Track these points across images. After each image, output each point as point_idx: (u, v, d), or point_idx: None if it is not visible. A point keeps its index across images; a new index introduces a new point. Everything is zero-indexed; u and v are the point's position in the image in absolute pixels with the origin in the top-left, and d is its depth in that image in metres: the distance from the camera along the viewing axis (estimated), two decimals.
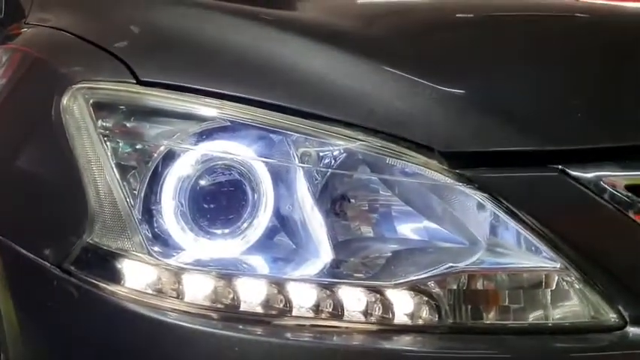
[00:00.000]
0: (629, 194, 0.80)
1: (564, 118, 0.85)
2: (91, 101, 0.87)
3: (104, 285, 0.82)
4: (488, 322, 0.81)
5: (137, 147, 0.85)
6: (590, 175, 0.80)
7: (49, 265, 0.86)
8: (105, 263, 0.83)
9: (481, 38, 0.97)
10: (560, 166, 0.80)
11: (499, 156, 0.82)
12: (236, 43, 0.92)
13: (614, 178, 0.81)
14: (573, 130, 0.84)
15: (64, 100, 0.88)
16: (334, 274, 0.82)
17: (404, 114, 0.84)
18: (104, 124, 0.86)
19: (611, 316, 0.80)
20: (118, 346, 0.82)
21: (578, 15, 1.17)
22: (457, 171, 0.81)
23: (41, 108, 0.92)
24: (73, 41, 0.99)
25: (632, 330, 0.79)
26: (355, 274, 0.83)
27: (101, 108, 0.87)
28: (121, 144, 0.85)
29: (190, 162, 0.84)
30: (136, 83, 0.86)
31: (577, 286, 0.81)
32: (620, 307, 0.80)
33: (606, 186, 0.80)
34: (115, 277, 0.82)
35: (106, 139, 0.85)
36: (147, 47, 0.93)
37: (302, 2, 1.17)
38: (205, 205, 0.84)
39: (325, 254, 0.83)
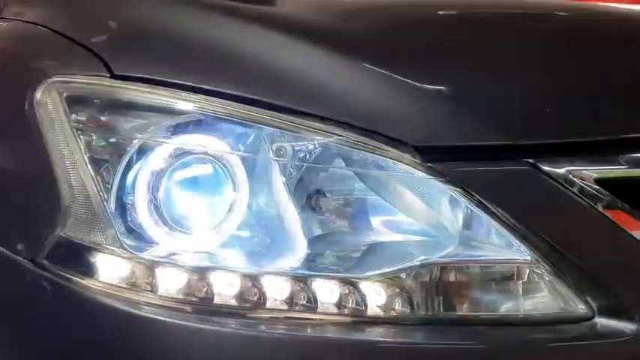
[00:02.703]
0: (599, 188, 0.82)
1: (535, 112, 0.86)
2: (65, 95, 0.86)
3: (77, 279, 0.82)
4: (460, 313, 0.82)
5: (111, 141, 0.85)
6: (560, 169, 0.81)
7: (22, 259, 0.85)
8: (78, 257, 0.82)
9: (455, 34, 0.98)
10: (531, 160, 0.81)
11: (471, 150, 0.82)
12: (211, 37, 0.91)
13: (584, 172, 0.82)
14: (544, 124, 0.85)
15: (38, 94, 0.87)
16: (309, 267, 0.82)
17: (378, 108, 0.85)
18: (78, 117, 0.85)
19: (580, 308, 0.81)
20: (92, 340, 0.82)
21: (554, 12, 1.18)
22: (429, 165, 0.81)
23: (15, 102, 0.91)
24: (48, 35, 0.98)
25: (600, 321, 0.81)
26: (330, 268, 0.83)
27: (75, 102, 0.86)
28: (94, 138, 0.85)
29: (164, 155, 0.83)
30: (110, 77, 0.86)
31: (547, 278, 0.82)
32: (589, 299, 0.81)
33: (576, 180, 0.81)
34: (89, 271, 0.82)
35: (79, 132, 0.85)
36: (121, 41, 0.93)
37: None
38: (179, 199, 0.84)
39: (300, 248, 0.83)
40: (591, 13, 1.16)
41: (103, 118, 0.86)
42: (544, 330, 0.81)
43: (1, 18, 1.14)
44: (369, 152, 0.83)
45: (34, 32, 1.01)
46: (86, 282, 0.82)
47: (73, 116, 0.85)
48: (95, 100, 0.86)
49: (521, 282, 0.83)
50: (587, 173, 0.82)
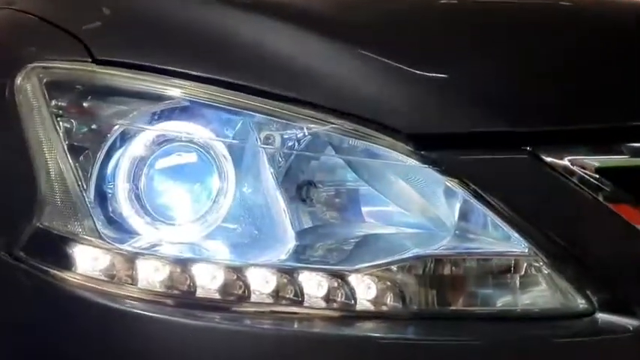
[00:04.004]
0: (600, 178, 0.79)
1: (534, 99, 0.83)
2: (45, 80, 0.84)
3: (55, 272, 0.79)
4: (455, 308, 0.80)
5: (91, 127, 0.82)
6: (560, 158, 0.79)
7: None
8: (55, 249, 0.80)
9: (450, 20, 0.95)
10: (529, 149, 0.78)
11: (467, 138, 0.79)
12: (197, 20, 0.88)
13: (585, 161, 0.79)
14: (543, 111, 0.82)
15: (18, 80, 0.85)
16: (297, 260, 0.80)
17: (370, 95, 0.82)
18: (57, 103, 0.83)
19: (580, 302, 0.79)
20: (70, 335, 0.79)
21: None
22: (423, 153, 0.78)
23: None
24: (33, 22, 0.96)
25: (600, 316, 0.78)
26: (319, 260, 0.81)
27: (55, 87, 0.84)
28: (74, 124, 0.82)
29: (146, 143, 0.81)
30: (92, 62, 0.83)
31: (545, 272, 0.79)
32: (589, 293, 0.78)
33: (576, 169, 0.78)
34: (66, 263, 0.79)
35: (59, 119, 0.82)
36: (104, 25, 0.90)
37: None
38: (162, 188, 0.81)
39: (288, 240, 0.81)
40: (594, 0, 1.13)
41: (83, 104, 0.83)
42: (542, 325, 0.79)
43: None
44: (361, 140, 0.80)
45: (21, 19, 0.99)
46: (64, 274, 0.79)
47: (53, 102, 0.83)
48: (76, 86, 0.84)
49: (518, 275, 0.80)
50: (588, 162, 0.79)
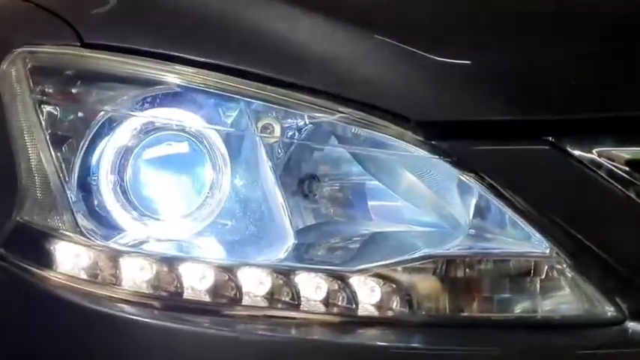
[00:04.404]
0: (630, 171, 0.73)
1: (556, 84, 0.77)
2: (30, 65, 0.81)
3: (35, 270, 0.76)
4: (468, 314, 0.75)
5: (76, 115, 0.79)
6: (585, 149, 0.73)
7: None
8: (36, 245, 0.76)
9: (465, 4, 0.89)
10: (551, 139, 0.73)
11: (482, 127, 0.74)
12: (190, 2, 0.85)
13: (613, 152, 0.74)
14: (566, 97, 0.76)
15: (4, 66, 0.82)
16: (296, 259, 0.75)
17: (376, 80, 0.77)
18: (42, 89, 0.80)
19: (608, 309, 0.73)
20: (51, 337, 0.75)
21: None
22: (433, 143, 0.73)
23: None
24: (25, 7, 0.93)
25: (631, 325, 0.73)
26: (320, 261, 0.76)
27: (40, 72, 0.81)
28: (58, 111, 0.79)
29: (133, 131, 0.77)
30: (81, 46, 0.80)
31: (569, 275, 0.74)
32: (618, 300, 0.73)
33: (604, 161, 0.73)
34: (47, 260, 0.76)
35: (42, 106, 0.79)
36: (94, 9, 0.87)
37: None
38: (150, 181, 0.77)
39: (286, 238, 0.76)
40: None
41: (69, 90, 0.80)
42: (565, 334, 0.74)
43: None
44: (366, 129, 0.75)
45: (12, 4, 0.96)
46: (44, 273, 0.76)
47: (37, 88, 0.80)
48: (62, 71, 0.81)
49: (539, 279, 0.75)
50: (617, 154, 0.74)
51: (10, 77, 0.81)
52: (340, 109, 0.75)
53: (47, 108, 0.79)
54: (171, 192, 0.77)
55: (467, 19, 0.83)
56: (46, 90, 0.80)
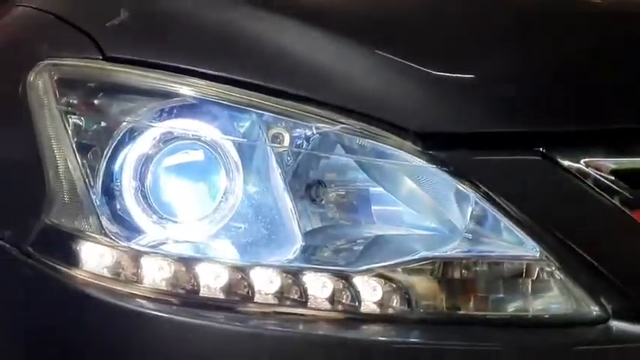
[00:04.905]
0: (616, 180, 0.76)
1: (547, 98, 0.80)
2: (56, 77, 0.85)
3: (62, 268, 0.79)
4: (464, 312, 0.78)
5: (99, 124, 0.82)
6: (574, 160, 0.76)
7: (8, 246, 0.83)
8: (63, 245, 0.80)
9: (461, 18, 0.93)
10: (542, 150, 0.76)
11: (478, 138, 0.78)
12: (207, 18, 0.88)
13: (600, 162, 0.77)
14: (556, 111, 0.80)
15: (31, 77, 0.86)
16: (304, 260, 0.79)
17: (379, 93, 0.81)
18: (67, 100, 0.83)
19: (594, 309, 0.76)
20: (75, 331, 0.79)
21: None
22: (431, 152, 0.77)
23: (12, 86, 0.89)
24: (50, 20, 0.96)
25: (615, 324, 0.76)
26: (326, 261, 0.80)
27: (65, 84, 0.84)
28: (83, 121, 0.83)
29: (153, 140, 0.80)
30: (103, 59, 0.84)
31: (558, 277, 0.77)
32: (603, 300, 0.76)
33: (591, 171, 0.76)
34: (73, 260, 0.79)
35: (68, 116, 0.83)
36: (115, 23, 0.90)
37: None
38: (169, 186, 0.81)
39: (295, 240, 0.80)
40: None
41: (92, 101, 0.84)
42: (554, 332, 0.77)
43: (17, 5, 1.14)
44: (368, 139, 0.78)
45: (38, 18, 1.00)
46: (71, 271, 0.79)
47: (63, 99, 0.84)
48: (85, 83, 0.84)
49: (530, 280, 0.78)
50: (604, 164, 0.77)
51: (38, 88, 0.84)
52: (343, 120, 0.78)
53: (73, 118, 0.82)
54: (188, 197, 0.81)
55: (463, 35, 0.87)
56: (71, 101, 0.83)
